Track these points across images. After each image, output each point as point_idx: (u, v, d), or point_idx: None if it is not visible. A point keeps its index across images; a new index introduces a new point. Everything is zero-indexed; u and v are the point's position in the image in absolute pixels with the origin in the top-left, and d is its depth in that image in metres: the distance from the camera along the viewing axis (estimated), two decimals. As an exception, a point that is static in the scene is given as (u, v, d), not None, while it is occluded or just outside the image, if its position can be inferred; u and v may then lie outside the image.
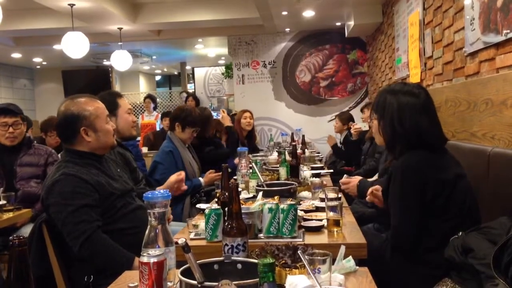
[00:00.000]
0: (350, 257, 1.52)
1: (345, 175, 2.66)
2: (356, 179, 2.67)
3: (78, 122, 2.11)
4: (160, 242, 1.31)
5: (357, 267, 1.52)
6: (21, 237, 1.05)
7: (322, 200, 2.38)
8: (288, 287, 1.25)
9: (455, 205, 1.94)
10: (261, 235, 1.93)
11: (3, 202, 3.04)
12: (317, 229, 2.03)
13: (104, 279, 1.62)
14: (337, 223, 2.00)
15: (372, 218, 2.77)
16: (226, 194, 2.06)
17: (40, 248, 2.04)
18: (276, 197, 2.12)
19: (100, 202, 2.05)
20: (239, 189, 2.68)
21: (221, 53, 11.23)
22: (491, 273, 1.43)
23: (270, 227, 1.91)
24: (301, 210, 2.29)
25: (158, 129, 7.60)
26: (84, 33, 6.36)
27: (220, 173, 3.62)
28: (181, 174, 2.90)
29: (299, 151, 4.23)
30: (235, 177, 3.07)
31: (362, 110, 6.11)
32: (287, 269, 1.38)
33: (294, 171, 3.21)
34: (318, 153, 5.77)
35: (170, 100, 13.51)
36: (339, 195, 2.11)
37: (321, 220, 2.11)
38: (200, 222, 2.09)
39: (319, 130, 7.97)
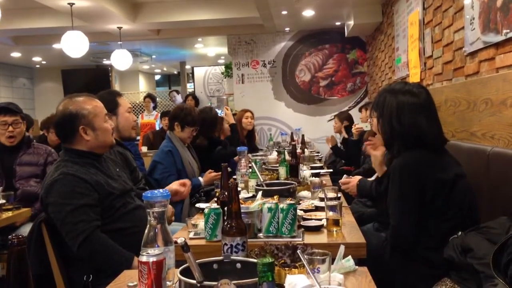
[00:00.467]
0: (350, 256, 1.52)
1: (344, 175, 2.67)
2: (356, 178, 2.67)
3: (77, 121, 2.11)
4: (159, 241, 1.30)
5: (357, 266, 1.52)
6: (20, 236, 1.04)
7: (321, 199, 2.38)
8: (288, 286, 1.25)
9: (454, 205, 1.94)
10: (261, 234, 1.92)
11: (2, 201, 3.03)
12: (316, 229, 2.03)
13: (103, 279, 1.62)
14: (336, 222, 2.00)
15: (372, 217, 2.77)
16: (226, 193, 2.06)
17: (39, 248, 2.03)
18: (275, 197, 2.11)
19: (99, 202, 2.05)
20: (239, 189, 2.68)
21: (221, 52, 11.23)
22: (490, 272, 1.43)
23: (269, 227, 1.91)
24: (300, 209, 2.29)
25: (157, 128, 7.60)
26: (83, 32, 6.35)
27: (220, 172, 3.64)
28: (186, 185, 2.82)
29: (298, 150, 4.23)
30: (234, 177, 3.07)
31: (360, 110, 6.12)
32: (287, 268, 1.38)
33: (293, 171, 3.21)
34: (318, 152, 5.77)
35: (170, 100, 13.50)
36: (339, 195, 2.11)
37: (320, 219, 2.11)
38: (200, 221, 2.09)
39: (319, 129, 7.97)
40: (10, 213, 2.99)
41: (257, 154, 4.84)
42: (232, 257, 1.34)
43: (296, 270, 1.36)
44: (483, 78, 2.65)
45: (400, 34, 5.11)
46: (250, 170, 2.94)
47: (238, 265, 1.31)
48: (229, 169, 2.22)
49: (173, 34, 8.58)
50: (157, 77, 17.02)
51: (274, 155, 4.33)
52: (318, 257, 1.28)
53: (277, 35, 8.26)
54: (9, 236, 1.04)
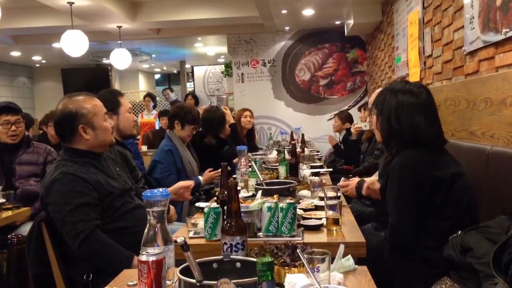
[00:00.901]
0: (349, 255, 1.52)
1: (342, 178, 2.66)
2: (354, 181, 2.67)
3: (76, 120, 2.11)
4: (159, 240, 1.31)
5: (356, 265, 1.52)
6: (20, 236, 1.04)
7: (321, 199, 2.38)
8: (287, 286, 1.25)
9: (452, 203, 1.94)
10: (260, 233, 1.93)
11: (2, 200, 3.04)
12: (316, 228, 2.03)
13: (103, 278, 1.62)
14: (336, 222, 2.00)
15: (371, 217, 2.77)
16: (225, 192, 2.06)
17: (39, 247, 2.03)
18: (275, 196, 2.12)
19: (99, 201, 2.05)
20: (238, 188, 2.68)
21: (221, 51, 11.22)
22: (490, 272, 1.43)
23: (269, 226, 1.91)
24: (300, 208, 2.29)
25: (157, 127, 7.60)
26: (83, 32, 6.35)
27: (219, 171, 3.65)
28: (191, 184, 2.84)
29: (298, 149, 4.23)
30: (234, 176, 3.07)
31: (359, 109, 6.12)
32: (286, 267, 1.38)
33: (293, 170, 3.21)
34: (318, 151, 5.77)
35: (164, 98, 13.49)
36: (338, 194, 2.11)
37: (320, 219, 2.11)
38: (199, 220, 2.09)
39: (319, 128, 7.97)
40: (10, 212, 2.99)
41: (257, 153, 4.85)
42: (231, 256, 1.34)
43: (295, 269, 1.36)
44: (483, 77, 2.65)
45: (400, 33, 5.11)
46: (250, 169, 2.94)
47: (238, 264, 1.31)
48: (228, 168, 2.22)
49: (173, 33, 8.57)
50: (157, 76, 17.02)
51: (274, 154, 4.33)
52: (318, 256, 1.28)
53: (277, 34, 8.26)
54: (9, 236, 1.04)
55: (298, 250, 1.33)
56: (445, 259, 1.81)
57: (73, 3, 5.91)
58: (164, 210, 1.32)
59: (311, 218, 2.14)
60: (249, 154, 3.70)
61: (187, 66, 13.40)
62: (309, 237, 1.92)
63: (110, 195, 2.11)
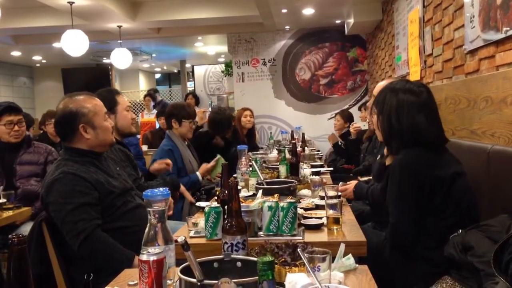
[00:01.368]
0: (350, 255, 1.52)
1: (340, 183, 2.66)
2: (352, 184, 2.68)
3: (77, 119, 2.12)
4: (159, 240, 1.31)
5: (357, 265, 1.52)
6: (20, 235, 1.04)
7: (322, 198, 2.38)
8: (288, 285, 1.25)
9: (453, 203, 1.94)
10: (261, 233, 1.93)
11: (3, 200, 3.04)
12: (316, 227, 2.03)
13: (104, 277, 1.62)
14: (336, 221, 2.00)
15: (372, 216, 2.77)
16: (226, 192, 2.06)
17: (39, 247, 2.04)
18: (276, 195, 2.12)
19: (99, 201, 2.06)
20: (239, 187, 2.68)
21: (221, 51, 11.22)
22: (491, 271, 1.43)
23: (269, 225, 1.91)
24: (300, 208, 2.29)
25: (157, 127, 7.60)
26: (83, 31, 6.35)
27: (213, 162, 3.67)
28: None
29: (299, 149, 4.23)
30: (235, 175, 3.07)
31: (360, 109, 6.11)
32: (287, 267, 1.38)
33: (294, 169, 3.21)
34: (318, 151, 5.77)
35: (170, 98, 13.50)
36: (339, 193, 2.11)
37: (320, 218, 2.11)
38: (200, 220, 2.09)
39: (319, 128, 7.97)
40: (10, 212, 2.99)
41: (258, 152, 4.85)
42: (232, 256, 1.34)
43: (296, 269, 1.36)
44: (483, 76, 2.65)
45: (400, 32, 5.11)
46: (251, 168, 2.94)
47: (239, 264, 1.31)
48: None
49: (173, 33, 8.57)
50: (157, 75, 17.02)
51: (274, 154, 4.33)
52: (319, 255, 1.28)
53: (277, 34, 8.25)
54: (10, 235, 1.04)
55: (298, 250, 1.33)
56: (446, 258, 1.81)
57: (73, 2, 5.91)
58: (165, 209, 1.32)
59: (311, 217, 2.14)
60: (250, 153, 3.70)
61: (188, 65, 13.40)
62: (310, 236, 1.92)
63: (111, 195, 2.11)
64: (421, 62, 4.15)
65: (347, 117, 5.82)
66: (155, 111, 8.37)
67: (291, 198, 2.07)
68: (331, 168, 4.13)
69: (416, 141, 2.01)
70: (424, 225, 1.96)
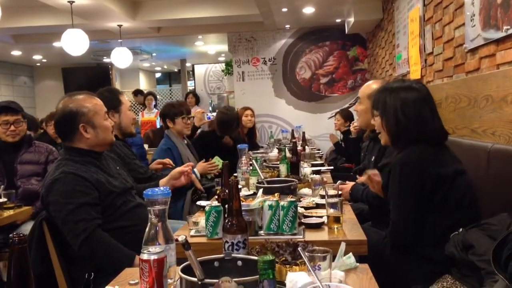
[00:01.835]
0: (351, 253, 1.52)
1: (339, 182, 2.66)
2: (349, 185, 2.68)
3: (77, 119, 2.12)
4: (160, 239, 1.31)
5: (358, 263, 1.52)
6: (21, 235, 1.04)
7: (322, 197, 2.38)
8: (289, 284, 1.25)
9: (453, 201, 1.94)
10: (261, 232, 1.93)
11: (3, 199, 3.04)
12: (317, 226, 2.03)
13: (104, 277, 1.62)
14: (337, 220, 2.00)
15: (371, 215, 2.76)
16: (227, 191, 2.06)
17: (40, 246, 2.04)
18: (276, 194, 2.12)
19: (100, 200, 2.05)
20: (240, 186, 2.69)
21: (221, 50, 11.21)
22: (491, 269, 1.43)
23: (270, 224, 1.91)
24: (301, 207, 2.29)
25: (158, 126, 7.59)
26: (83, 30, 6.35)
27: (212, 161, 3.68)
28: (189, 166, 2.83)
29: (299, 148, 4.23)
30: (235, 174, 3.07)
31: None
32: (287, 266, 1.38)
33: (294, 168, 3.21)
34: (319, 150, 5.77)
35: (171, 97, 13.49)
36: (339, 192, 2.11)
37: (321, 217, 2.11)
38: (201, 219, 2.09)
39: (320, 127, 7.96)
40: (11, 212, 2.99)
41: (258, 151, 4.85)
42: (233, 255, 1.34)
43: (297, 268, 1.36)
44: (484, 75, 2.65)
45: (400, 30, 5.10)
46: (251, 167, 2.94)
47: (239, 263, 1.31)
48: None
49: (174, 32, 8.56)
50: (158, 75, 17.02)
51: (274, 153, 4.33)
52: (319, 254, 1.28)
53: (278, 32, 8.25)
54: (10, 235, 1.04)
55: (299, 248, 1.33)
56: (447, 257, 1.81)
57: (73, 2, 5.90)
58: (165, 208, 1.32)
59: (312, 216, 2.14)
60: (250, 152, 3.70)
61: (188, 64, 13.40)
62: (310, 235, 1.92)
63: (111, 194, 2.11)
64: (421, 61, 4.15)
65: (347, 116, 5.81)
66: (155, 110, 8.37)
67: (291, 197, 2.07)
68: (332, 167, 4.13)
69: (421, 137, 2.02)
70: (425, 223, 1.96)
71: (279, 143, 5.97)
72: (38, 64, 12.65)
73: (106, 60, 11.48)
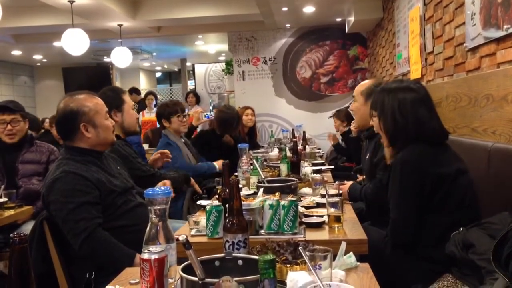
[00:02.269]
0: (351, 253, 1.52)
1: (337, 182, 2.67)
2: (347, 185, 2.68)
3: (78, 118, 2.12)
4: (161, 239, 1.31)
5: (358, 263, 1.52)
6: (21, 234, 1.04)
7: (323, 196, 2.38)
8: (289, 283, 1.25)
9: (454, 200, 1.94)
10: (262, 231, 1.93)
11: (4, 199, 3.04)
12: (318, 225, 2.03)
13: (105, 276, 1.62)
14: (338, 219, 2.00)
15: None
16: (227, 190, 2.06)
17: (41, 246, 2.04)
18: (277, 194, 2.12)
19: (100, 199, 2.06)
20: (240, 186, 2.68)
21: (222, 49, 11.21)
22: (492, 268, 1.43)
23: (271, 224, 1.91)
24: (302, 206, 2.29)
25: (158, 126, 7.59)
26: (84, 30, 6.35)
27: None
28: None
29: (300, 147, 4.23)
30: (236, 174, 3.07)
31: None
32: (288, 265, 1.38)
33: (295, 168, 3.20)
34: (319, 149, 5.76)
35: (171, 97, 13.49)
36: (340, 191, 2.11)
37: (322, 216, 2.11)
38: (201, 218, 2.09)
39: (320, 126, 7.95)
40: (12, 211, 2.99)
41: (258, 151, 4.85)
42: (233, 254, 1.34)
43: (297, 267, 1.36)
44: (484, 74, 2.65)
45: (401, 30, 5.10)
46: (252, 167, 2.94)
47: (240, 262, 1.31)
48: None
49: (174, 31, 8.56)
50: (158, 74, 17.02)
51: (275, 152, 4.33)
52: (320, 253, 1.28)
53: (278, 32, 8.24)
54: (11, 234, 1.04)
55: (300, 248, 1.33)
56: (447, 256, 1.81)
57: (73, 1, 5.90)
58: (166, 208, 1.32)
59: (312, 216, 2.14)
60: (251, 152, 3.70)
61: (188, 64, 13.40)
62: (311, 235, 1.92)
63: (112, 193, 2.11)
64: (422, 60, 4.15)
65: (345, 117, 5.82)
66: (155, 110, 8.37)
67: (292, 197, 2.07)
68: (332, 166, 4.13)
69: (420, 137, 2.02)
70: (426, 222, 1.96)
71: (280, 142, 5.97)
72: (39, 64, 12.66)
73: (106, 59, 11.48)
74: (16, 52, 10.60)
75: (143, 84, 14.41)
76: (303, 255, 1.26)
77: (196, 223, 2.10)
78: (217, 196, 2.51)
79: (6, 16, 4.97)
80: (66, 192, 1.99)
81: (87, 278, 1.58)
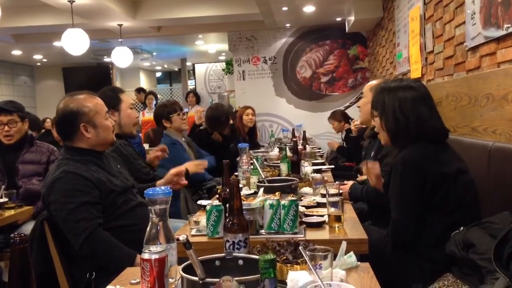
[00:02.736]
0: (352, 252, 1.52)
1: (337, 182, 2.67)
2: (348, 185, 2.68)
3: (78, 118, 2.12)
4: (161, 238, 1.31)
5: (359, 262, 1.52)
6: (22, 235, 1.04)
7: (323, 196, 2.38)
8: (290, 283, 1.25)
9: (454, 200, 1.94)
10: (262, 231, 1.93)
11: (5, 199, 3.04)
12: (318, 225, 2.03)
13: (106, 276, 1.62)
14: (338, 218, 2.00)
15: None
16: (227, 190, 2.06)
17: (41, 246, 2.04)
18: (277, 193, 2.12)
19: (100, 199, 2.06)
20: (240, 185, 2.69)
21: (222, 49, 11.21)
22: (492, 267, 1.43)
23: (271, 223, 1.91)
24: (302, 206, 2.29)
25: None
26: (84, 30, 6.35)
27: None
28: (181, 168, 2.78)
29: (300, 147, 4.23)
30: (236, 173, 3.07)
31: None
32: (289, 265, 1.38)
33: (295, 167, 3.20)
34: (319, 148, 5.77)
35: (171, 97, 13.49)
36: (340, 191, 2.11)
37: (322, 216, 2.11)
38: (202, 218, 2.09)
39: (320, 125, 7.95)
40: (12, 211, 2.99)
41: (259, 150, 4.85)
42: (234, 254, 1.34)
43: (298, 267, 1.36)
44: (484, 73, 2.64)
45: (401, 29, 5.10)
46: (252, 166, 2.94)
47: (240, 262, 1.31)
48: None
49: (174, 31, 8.56)
50: (158, 74, 17.02)
51: (275, 152, 4.33)
52: (320, 253, 1.28)
53: (278, 31, 8.24)
54: (11, 235, 1.04)
55: (300, 247, 1.34)
56: (448, 256, 1.81)
57: (73, 1, 5.90)
58: (166, 208, 1.32)
59: (313, 215, 2.14)
60: (251, 151, 3.70)
61: (188, 63, 13.40)
62: (311, 234, 1.92)
63: (112, 193, 2.11)
64: (422, 59, 4.14)
65: (341, 116, 5.81)
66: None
67: (292, 196, 2.07)
68: (332, 166, 4.13)
69: (421, 135, 2.02)
70: (426, 222, 1.96)
71: (280, 142, 5.97)
72: (39, 64, 12.66)
73: (106, 59, 11.49)
74: (16, 52, 10.60)
75: (143, 84, 14.40)
76: (304, 254, 1.26)
77: (197, 223, 2.10)
78: (217, 195, 2.51)
79: (6, 16, 4.98)
80: (66, 192, 1.99)
81: (88, 278, 1.59)
